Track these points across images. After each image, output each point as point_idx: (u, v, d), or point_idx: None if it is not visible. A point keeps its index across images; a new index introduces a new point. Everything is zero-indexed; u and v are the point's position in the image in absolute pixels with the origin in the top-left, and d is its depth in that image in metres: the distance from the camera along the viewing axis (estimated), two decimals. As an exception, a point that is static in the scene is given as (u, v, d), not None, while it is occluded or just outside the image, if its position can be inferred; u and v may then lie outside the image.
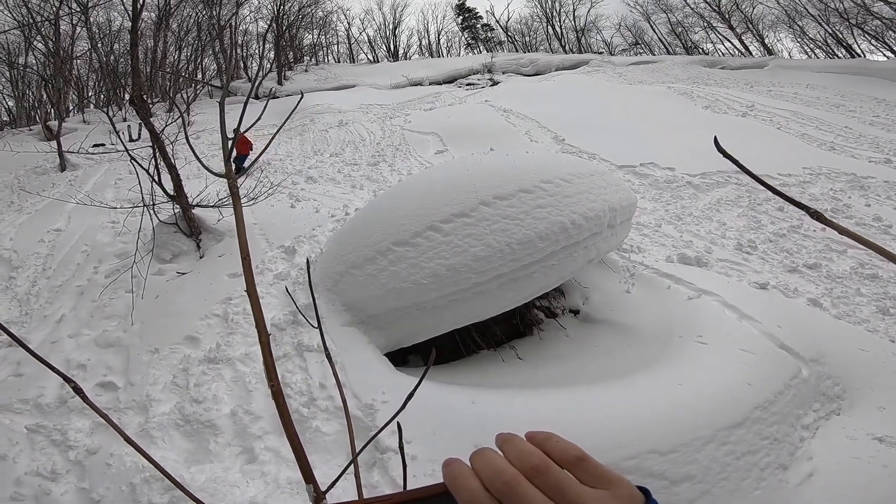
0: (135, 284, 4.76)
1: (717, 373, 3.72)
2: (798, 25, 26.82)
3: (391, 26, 35.46)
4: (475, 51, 34.98)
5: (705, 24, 29.74)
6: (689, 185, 6.93)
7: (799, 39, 28.10)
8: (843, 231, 0.88)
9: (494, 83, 20.27)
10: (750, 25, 27.96)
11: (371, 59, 34.51)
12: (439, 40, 37.74)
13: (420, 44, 37.47)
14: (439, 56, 34.92)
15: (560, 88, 16.58)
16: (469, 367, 3.62)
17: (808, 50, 27.82)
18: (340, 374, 3.17)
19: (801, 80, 15.11)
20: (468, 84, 20.72)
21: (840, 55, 24.85)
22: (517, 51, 33.04)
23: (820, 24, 25.26)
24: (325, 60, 33.18)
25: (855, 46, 25.00)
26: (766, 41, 28.33)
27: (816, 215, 0.86)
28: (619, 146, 8.66)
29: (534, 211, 3.59)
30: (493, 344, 3.88)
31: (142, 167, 5.24)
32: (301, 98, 1.90)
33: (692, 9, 29.47)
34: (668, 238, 5.78)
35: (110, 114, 11.08)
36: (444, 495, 0.37)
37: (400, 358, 3.80)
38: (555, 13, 33.87)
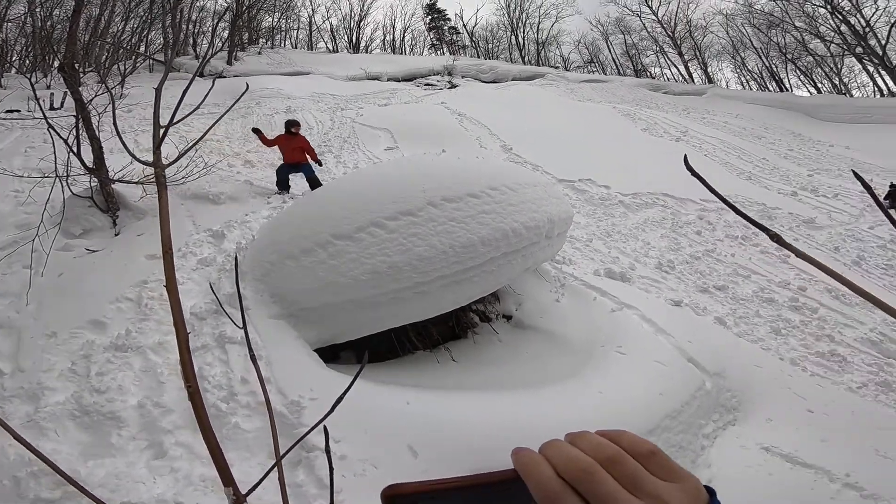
0: (35, 260, 4.26)
1: (634, 382, 3.91)
2: (740, 56, 28.99)
3: (357, 17, 34.66)
4: (438, 52, 34.96)
5: (658, 49, 31.28)
6: (621, 204, 7.30)
7: (738, 70, 30.30)
8: (800, 254, 0.92)
9: (453, 86, 20.31)
10: (697, 53, 29.72)
11: (330, 48, 33.43)
12: (404, 37, 37.31)
13: (384, 39, 36.73)
14: (402, 53, 34.52)
15: (514, 98, 16.92)
16: (404, 367, 3.57)
17: (745, 81, 30.09)
18: (265, 369, 3.00)
19: (732, 110, 16.23)
20: (427, 84, 20.61)
21: (771, 88, 27.12)
22: (479, 57, 33.38)
23: (760, 56, 27.52)
24: (282, 45, 31.78)
25: (786, 80, 27.47)
26: (709, 70, 30.25)
27: (776, 238, 0.90)
28: (561, 160, 8.96)
29: (479, 216, 3.61)
30: (430, 345, 3.85)
31: (59, 136, 4.71)
32: (246, 89, 1.80)
33: (648, 32, 30.92)
34: (597, 253, 6.06)
35: (33, 80, 9.85)
36: (514, 481, 0.36)
37: (331, 354, 3.67)
38: (520, 23, 34.60)
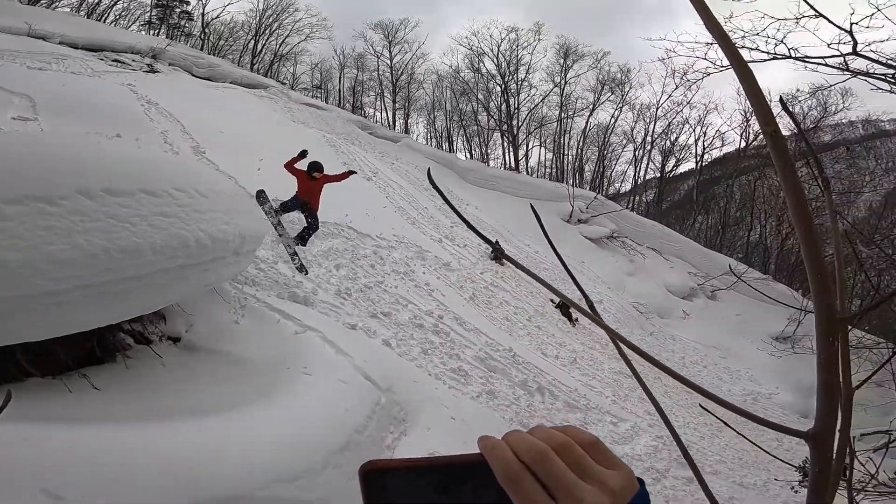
0: None
1: (322, 401, 3.90)
2: (433, 114, 33.04)
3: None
4: (154, 32, 27.34)
5: (380, 91, 32.77)
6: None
7: (428, 126, 34.10)
8: (517, 265, 1.08)
9: (153, 71, 16.26)
10: (406, 104, 32.51)
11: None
12: (115, 4, 27.27)
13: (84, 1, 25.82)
14: (101, 20, 25.13)
15: (224, 102, 14.88)
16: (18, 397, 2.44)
17: (430, 137, 33.86)
18: None
19: (415, 161, 18.11)
20: (116, 60, 15.85)
21: (444, 148, 31.27)
22: (202, 49, 27.70)
23: (446, 117, 32.27)
24: None
25: (455, 143, 32.71)
26: (409, 121, 33.24)
27: (497, 247, 1.04)
28: (258, 176, 8.39)
29: (153, 217, 2.96)
30: (54, 371, 2.80)
31: None
32: None
33: (378, 74, 32.18)
34: (282, 275, 5.91)
35: None
36: (480, 464, 0.40)
37: None
38: (269, 31, 30.89)
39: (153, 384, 3.10)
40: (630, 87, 28.38)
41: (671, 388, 10.10)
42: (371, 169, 13.94)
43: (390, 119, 32.72)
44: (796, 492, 8.09)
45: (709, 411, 1.20)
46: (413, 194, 12.45)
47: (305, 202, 7.00)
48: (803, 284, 17.63)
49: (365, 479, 0.41)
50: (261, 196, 6.56)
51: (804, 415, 12.64)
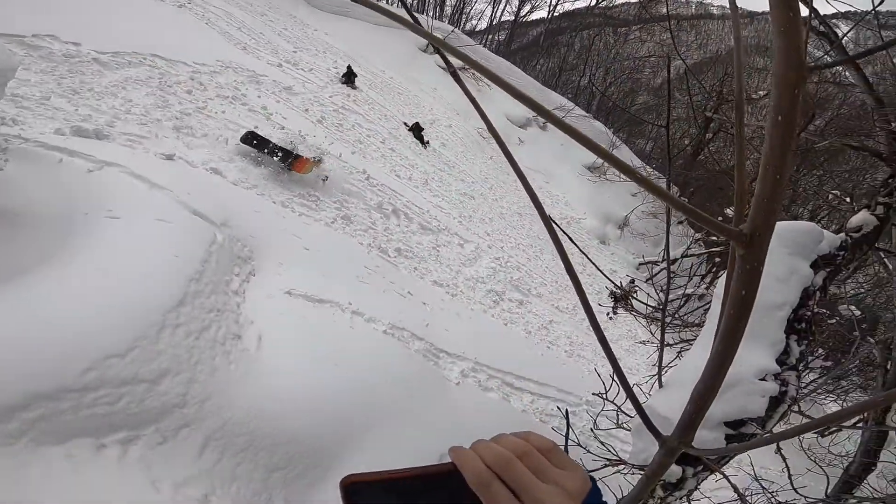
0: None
1: (141, 248, 3.39)
2: None
3: None
4: None
5: None
6: (96, 62, 5.78)
7: None
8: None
9: None
10: None
11: None
12: None
13: None
14: None
15: None
16: None
17: None
18: None
19: None
20: None
21: None
22: None
23: None
24: None
25: None
26: None
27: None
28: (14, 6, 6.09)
29: None
30: None
31: None
32: None
33: None
34: (59, 111, 4.66)
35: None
36: (453, 473, 0.46)
37: None
38: None
39: None
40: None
41: (506, 212, 11.08)
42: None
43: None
44: (611, 318, 9.67)
45: (556, 222, 1.26)
46: (243, 20, 10.28)
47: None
48: (615, 124, 20.74)
49: (345, 492, 0.45)
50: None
51: (602, 241, 15.06)
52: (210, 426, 3.09)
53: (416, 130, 11.38)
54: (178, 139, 5.32)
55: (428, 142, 11.49)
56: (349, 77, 11.00)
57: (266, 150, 5.82)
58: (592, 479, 0.49)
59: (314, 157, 6.17)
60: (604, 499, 0.50)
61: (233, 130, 6.02)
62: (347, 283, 5.10)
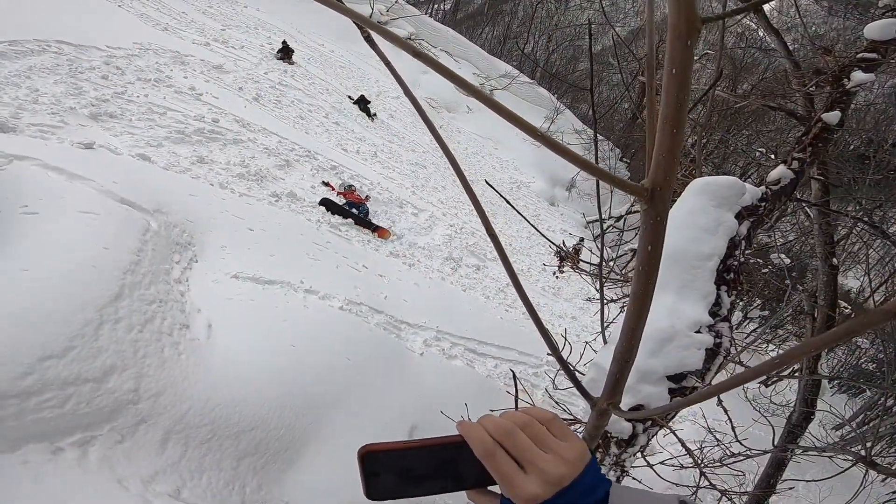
0: None
1: (67, 244, 3.13)
2: None
3: None
4: None
5: None
6: None
7: None
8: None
9: None
10: None
11: None
12: None
13: None
14: None
15: None
16: None
17: None
18: None
19: None
20: None
21: None
22: None
23: None
24: None
25: None
26: None
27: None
28: None
29: None
30: None
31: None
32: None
33: None
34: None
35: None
36: (460, 444, 0.49)
37: None
38: None
39: None
40: None
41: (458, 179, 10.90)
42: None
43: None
44: (557, 277, 9.77)
45: (491, 186, 1.23)
46: (162, 0, 9.39)
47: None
48: (559, 90, 20.69)
49: (361, 461, 0.49)
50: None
51: (552, 202, 15.18)
52: (168, 420, 2.98)
53: (362, 103, 10.94)
54: (98, 127, 4.85)
55: (375, 114, 11.09)
56: (285, 52, 10.37)
57: (346, 217, 6.41)
58: (592, 451, 0.52)
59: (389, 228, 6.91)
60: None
61: (158, 114, 5.56)
62: (298, 261, 4.89)
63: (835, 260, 3.62)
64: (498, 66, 19.59)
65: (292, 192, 6.03)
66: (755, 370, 0.49)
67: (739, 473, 2.54)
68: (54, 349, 2.64)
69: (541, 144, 0.54)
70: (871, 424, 8.49)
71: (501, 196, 1.26)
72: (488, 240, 7.23)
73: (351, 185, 7.08)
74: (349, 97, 10.98)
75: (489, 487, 0.51)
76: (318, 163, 7.14)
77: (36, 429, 2.50)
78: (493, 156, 15.07)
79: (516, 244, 10.14)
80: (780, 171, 2.33)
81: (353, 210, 6.61)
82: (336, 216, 6.29)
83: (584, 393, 0.77)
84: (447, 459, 0.50)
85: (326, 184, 6.84)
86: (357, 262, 5.56)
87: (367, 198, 7.21)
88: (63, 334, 2.71)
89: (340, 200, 6.72)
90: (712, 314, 1.81)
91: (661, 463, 2.41)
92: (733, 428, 2.55)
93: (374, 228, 6.64)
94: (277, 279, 4.40)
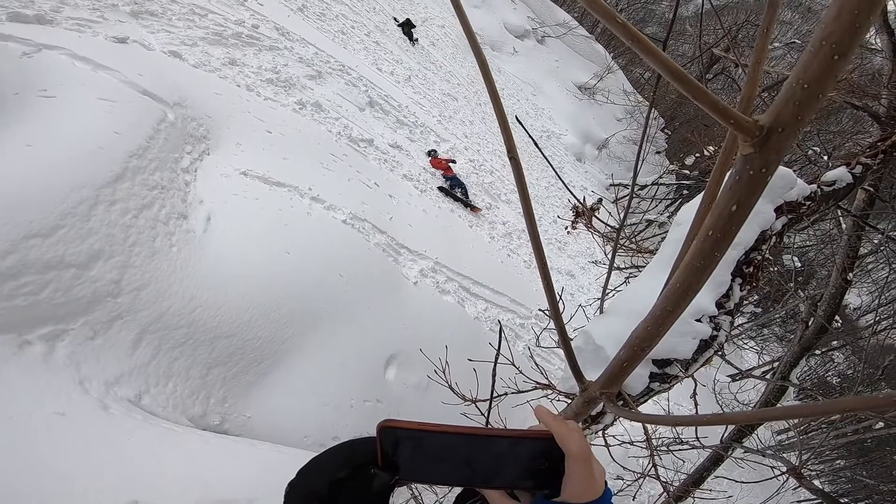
0: None
1: (77, 126, 3.02)
2: None
3: None
4: None
5: None
6: None
7: None
8: None
9: None
10: None
11: None
12: None
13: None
14: None
15: None
16: None
17: None
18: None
19: None
20: None
21: None
22: None
23: None
24: None
25: None
26: None
27: None
28: None
29: None
30: None
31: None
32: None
33: None
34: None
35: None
36: (549, 440, 0.47)
37: None
38: None
39: None
40: None
41: (489, 117, 10.42)
42: None
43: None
44: (568, 232, 9.44)
45: (522, 125, 1.12)
46: None
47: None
48: (617, 49, 18.57)
49: (379, 434, 0.44)
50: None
51: (579, 158, 14.46)
52: (146, 318, 2.81)
53: (406, 27, 10.36)
54: (137, 24, 4.67)
55: (417, 39, 10.52)
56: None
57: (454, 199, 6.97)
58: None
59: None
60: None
61: (199, 15, 5.36)
62: (310, 167, 4.78)
63: (850, 275, 3.40)
64: (556, 14, 18.03)
65: (318, 102, 5.84)
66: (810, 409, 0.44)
67: (682, 462, 2.52)
68: (42, 227, 2.47)
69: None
70: (809, 434, 8.54)
71: (530, 136, 1.16)
72: (505, 181, 6.96)
73: (433, 151, 7.18)
74: (395, 19, 10.41)
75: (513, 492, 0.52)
76: (350, 78, 6.85)
77: (7, 318, 2.29)
78: (529, 101, 14.35)
79: (532, 192, 9.88)
80: (838, 173, 2.11)
81: (457, 191, 7.00)
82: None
83: (578, 373, 0.68)
84: (483, 453, 0.47)
85: (432, 153, 7.14)
86: (369, 179, 5.45)
87: (454, 161, 7.40)
88: (54, 212, 2.54)
89: (439, 175, 7.06)
90: (719, 305, 1.69)
91: (614, 437, 2.38)
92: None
93: (472, 207, 7.08)
94: (286, 182, 4.33)
